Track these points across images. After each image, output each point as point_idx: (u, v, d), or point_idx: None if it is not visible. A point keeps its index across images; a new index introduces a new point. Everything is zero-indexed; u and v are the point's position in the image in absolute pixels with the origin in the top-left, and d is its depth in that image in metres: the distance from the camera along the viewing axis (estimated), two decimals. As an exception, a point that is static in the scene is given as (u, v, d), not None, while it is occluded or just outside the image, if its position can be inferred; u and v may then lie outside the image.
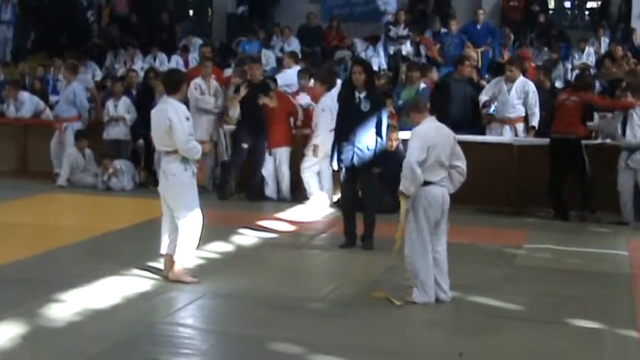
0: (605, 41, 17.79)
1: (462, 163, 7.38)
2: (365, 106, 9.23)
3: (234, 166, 12.61)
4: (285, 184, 12.42)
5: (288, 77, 14.26)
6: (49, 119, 14.63)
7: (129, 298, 7.36)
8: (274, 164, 12.41)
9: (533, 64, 14.93)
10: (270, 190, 12.47)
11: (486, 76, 15.14)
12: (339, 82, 12.48)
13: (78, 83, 14.19)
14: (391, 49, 17.53)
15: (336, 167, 9.51)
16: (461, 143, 7.63)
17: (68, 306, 7.04)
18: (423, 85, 13.00)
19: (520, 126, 12.21)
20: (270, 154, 12.39)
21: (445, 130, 7.53)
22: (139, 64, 17.54)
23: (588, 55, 17.27)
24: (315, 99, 12.06)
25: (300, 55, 17.77)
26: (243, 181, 12.75)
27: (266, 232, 10.30)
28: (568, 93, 11.68)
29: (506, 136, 12.17)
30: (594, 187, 11.21)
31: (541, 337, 6.61)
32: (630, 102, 11.19)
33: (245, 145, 12.35)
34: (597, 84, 14.46)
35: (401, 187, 7.18)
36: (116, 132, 13.77)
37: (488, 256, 9.22)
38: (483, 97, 12.33)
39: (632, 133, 10.99)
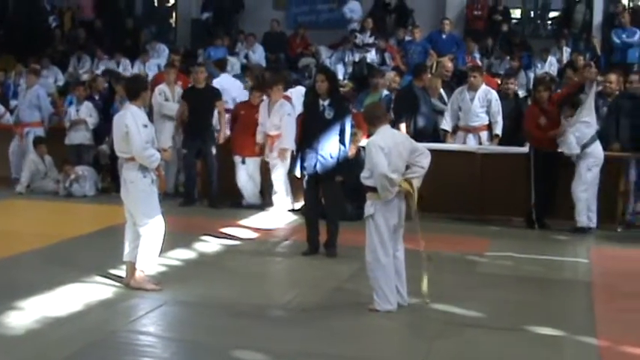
0: (567, 51, 18.03)
1: (423, 157, 7.36)
2: (329, 114, 9.27)
3: (186, 173, 12.64)
4: (256, 192, 12.46)
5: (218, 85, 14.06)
6: (9, 124, 14.49)
7: (90, 305, 7.32)
8: (248, 173, 12.41)
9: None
10: (249, 198, 12.47)
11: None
12: (302, 88, 12.56)
13: (40, 87, 14.10)
14: (356, 57, 17.60)
15: (299, 175, 9.50)
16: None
17: (28, 313, 6.98)
18: (385, 92, 13.11)
19: (484, 134, 12.28)
20: (243, 163, 12.38)
21: (400, 137, 7.58)
22: (103, 69, 17.39)
23: (550, 65, 17.47)
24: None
25: (265, 63, 17.93)
26: (206, 188, 12.74)
27: (228, 239, 10.29)
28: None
29: (469, 144, 12.24)
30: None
31: (502, 344, 6.65)
32: (578, 81, 11.35)
33: (184, 151, 12.47)
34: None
35: (382, 198, 7.18)
36: (78, 137, 13.72)
37: (450, 264, 9.25)
38: (447, 115, 12.37)
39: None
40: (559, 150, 11.19)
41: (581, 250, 10.24)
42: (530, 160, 11.41)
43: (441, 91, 12.95)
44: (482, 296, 7.99)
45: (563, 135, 11.09)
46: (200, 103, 12.56)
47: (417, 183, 7.31)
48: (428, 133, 12.15)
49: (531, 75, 16.63)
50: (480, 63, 16.75)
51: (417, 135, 11.15)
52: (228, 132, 12.74)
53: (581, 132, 11.04)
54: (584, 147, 11.06)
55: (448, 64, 13.90)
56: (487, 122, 12.27)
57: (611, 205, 11.49)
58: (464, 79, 12.92)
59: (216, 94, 12.77)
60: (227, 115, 13.08)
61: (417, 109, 12.17)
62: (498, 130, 12.18)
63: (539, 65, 17.48)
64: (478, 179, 11.93)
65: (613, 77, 12.23)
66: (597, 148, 11.17)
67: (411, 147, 7.40)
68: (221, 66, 15.18)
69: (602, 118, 11.82)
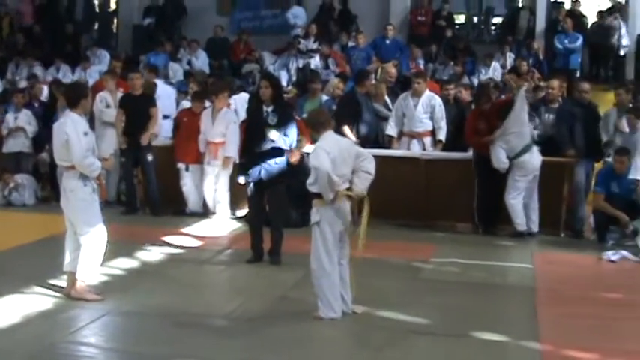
0: (510, 56, 18.22)
1: (368, 163, 7.38)
2: (272, 120, 9.24)
3: (124, 181, 12.60)
4: (200, 200, 12.40)
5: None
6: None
7: (29, 316, 7.21)
8: (193, 180, 12.32)
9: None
10: (193, 205, 12.39)
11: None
12: (245, 95, 12.50)
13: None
14: (300, 63, 17.62)
15: (242, 181, 9.46)
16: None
17: (-36, 326, 6.84)
18: (325, 97, 13.15)
19: (428, 140, 12.34)
20: (187, 170, 12.30)
21: (344, 143, 7.59)
22: (42, 76, 17.23)
23: (494, 70, 17.62)
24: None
25: (208, 69, 17.86)
26: (147, 196, 12.67)
27: (171, 247, 10.24)
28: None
29: (414, 150, 12.29)
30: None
31: (447, 350, 6.69)
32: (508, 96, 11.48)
33: (122, 159, 12.38)
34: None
35: (325, 198, 7.18)
36: (17, 144, 13.57)
37: (395, 270, 9.28)
38: (392, 121, 12.40)
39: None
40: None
41: (525, 255, 10.33)
42: (473, 166, 11.53)
43: (386, 97, 12.99)
44: (427, 302, 8.02)
45: (492, 145, 11.20)
46: (136, 110, 12.49)
47: (362, 188, 7.32)
48: (371, 139, 12.18)
49: (475, 80, 16.77)
50: (423, 69, 16.87)
51: (361, 141, 11.16)
52: (157, 133, 12.71)
53: (511, 144, 11.13)
54: (516, 157, 11.15)
55: (392, 69, 13.98)
56: (431, 128, 12.33)
57: (555, 210, 11.57)
58: (408, 85, 12.99)
59: (151, 101, 12.72)
60: (167, 121, 13.09)
61: (359, 116, 12.19)
62: (442, 135, 12.26)
63: (482, 71, 17.65)
64: (423, 185, 11.96)
65: (555, 83, 12.35)
66: (531, 158, 11.23)
67: (356, 152, 7.42)
68: (154, 72, 15.01)
69: (550, 125, 11.95)
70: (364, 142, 11.45)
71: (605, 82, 17.62)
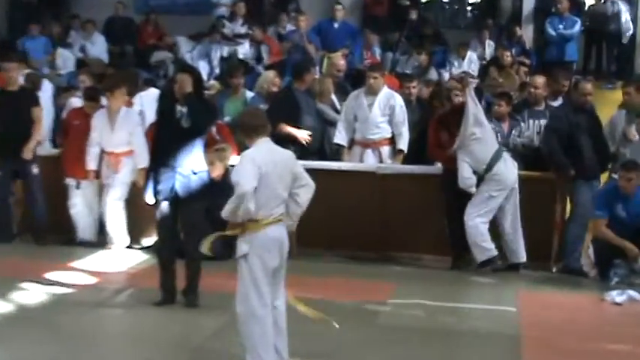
0: (490, 45, 18.38)
1: (304, 192, 7.38)
2: (187, 122, 9.20)
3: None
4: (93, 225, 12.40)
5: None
6: None
7: None
8: (85, 200, 12.29)
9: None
10: (85, 233, 12.33)
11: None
12: (155, 91, 12.48)
13: None
14: (225, 51, 17.59)
15: (152, 201, 9.41)
16: (309, 172, 7.56)
17: None
18: (250, 94, 13.19)
19: (385, 149, 12.33)
20: (78, 188, 12.24)
21: (282, 154, 7.50)
22: None
23: (470, 62, 17.74)
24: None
25: (107, 57, 17.77)
26: (28, 219, 12.52)
27: (57, 286, 10.11)
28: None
29: (368, 162, 12.25)
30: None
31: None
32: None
33: None
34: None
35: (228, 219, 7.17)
36: None
37: (344, 315, 9.03)
38: (340, 126, 12.39)
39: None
40: None
41: (508, 295, 10.35)
42: (442, 182, 11.53)
43: (333, 96, 12.90)
44: (386, 355, 8.01)
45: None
46: (12, 110, 12.31)
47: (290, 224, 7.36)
48: (314, 149, 12.22)
49: (446, 75, 16.78)
50: (380, 60, 16.92)
51: (300, 153, 11.05)
52: (41, 139, 12.67)
53: (475, 154, 11.12)
54: (488, 169, 11.11)
55: (340, 61, 13.94)
56: (389, 135, 12.32)
57: (544, 238, 11.52)
58: (361, 81, 12.96)
59: (32, 99, 12.60)
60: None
61: (297, 119, 12.20)
62: (403, 144, 12.26)
63: (455, 63, 17.73)
64: (379, 207, 11.86)
65: (540, 81, 12.41)
66: (504, 169, 11.18)
67: (295, 171, 7.39)
68: (24, 62, 14.90)
69: (535, 133, 11.99)
70: (304, 153, 11.46)
71: (607, 78, 17.90)
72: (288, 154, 7.56)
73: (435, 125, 11.65)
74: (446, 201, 11.49)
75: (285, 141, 10.89)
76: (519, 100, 12.90)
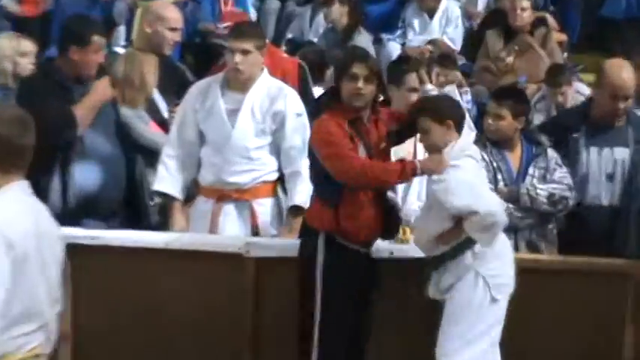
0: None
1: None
2: None
3: None
4: None
5: None
6: None
7: None
8: None
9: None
10: None
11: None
12: None
13: None
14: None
15: None
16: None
17: None
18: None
19: (264, 205, 8.46)
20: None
21: (48, 219, 5.26)
22: None
23: (445, 22, 13.52)
24: None
25: None
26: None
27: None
28: None
29: (227, 231, 8.41)
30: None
31: None
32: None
33: None
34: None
35: None
36: None
37: None
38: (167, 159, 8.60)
39: None
40: None
41: None
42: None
43: (154, 91, 8.85)
44: None
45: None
46: None
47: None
48: (109, 201, 8.68)
49: (394, 49, 12.77)
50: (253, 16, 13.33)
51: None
52: None
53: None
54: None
55: (171, 13, 9.60)
56: (274, 174, 8.39)
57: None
58: (213, 59, 10.66)
59: None
60: None
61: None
62: (301, 195, 8.25)
63: (415, 24, 13.51)
64: (249, 301, 8.20)
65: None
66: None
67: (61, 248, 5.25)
68: None
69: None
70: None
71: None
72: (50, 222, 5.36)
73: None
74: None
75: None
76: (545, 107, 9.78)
